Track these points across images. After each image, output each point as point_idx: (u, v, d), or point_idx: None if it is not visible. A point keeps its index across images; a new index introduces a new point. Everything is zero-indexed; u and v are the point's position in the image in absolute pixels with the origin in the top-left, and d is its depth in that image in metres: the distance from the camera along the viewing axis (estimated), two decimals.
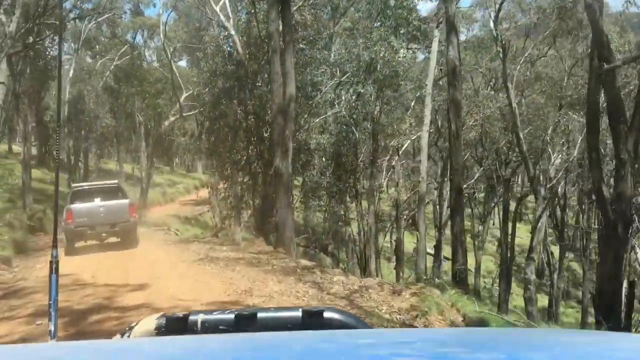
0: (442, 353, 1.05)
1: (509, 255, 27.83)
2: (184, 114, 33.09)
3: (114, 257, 14.34)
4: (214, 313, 1.60)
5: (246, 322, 1.55)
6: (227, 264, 12.48)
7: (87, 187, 15.59)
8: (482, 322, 8.06)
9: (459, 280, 12.84)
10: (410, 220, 36.88)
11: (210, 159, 27.51)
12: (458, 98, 14.40)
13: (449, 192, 28.47)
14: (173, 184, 47.19)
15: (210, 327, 1.56)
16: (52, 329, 2.10)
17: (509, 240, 28.55)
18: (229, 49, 21.07)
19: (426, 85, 18.94)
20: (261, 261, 13.16)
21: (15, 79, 30.77)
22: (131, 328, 1.62)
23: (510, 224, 27.93)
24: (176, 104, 32.68)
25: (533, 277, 17.65)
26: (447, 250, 33.23)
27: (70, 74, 35.67)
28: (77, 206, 14.51)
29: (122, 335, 1.63)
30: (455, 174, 13.87)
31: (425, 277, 15.66)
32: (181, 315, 1.59)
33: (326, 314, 1.58)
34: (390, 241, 33.42)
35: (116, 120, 37.02)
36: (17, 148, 41.77)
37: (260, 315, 1.58)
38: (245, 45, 20.62)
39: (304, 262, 13.41)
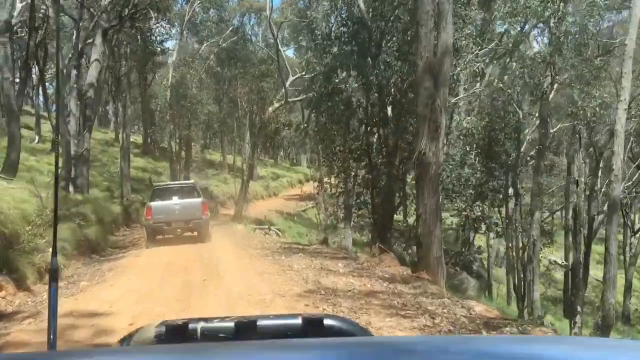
0: None
1: None
2: (290, 100, 28.27)
3: (183, 278, 9.42)
4: (214, 321, 1.51)
5: (246, 330, 1.47)
6: (353, 307, 7.09)
7: (166, 186, 16.02)
8: None
9: None
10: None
11: (319, 146, 22.65)
12: None
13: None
14: (276, 177, 43.01)
15: (210, 335, 1.46)
16: (52, 337, 1.91)
17: None
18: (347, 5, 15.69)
19: (626, 44, 12.49)
20: (407, 302, 7.64)
21: (114, 58, 27.41)
22: (131, 336, 1.51)
23: None
24: (281, 88, 27.93)
25: None
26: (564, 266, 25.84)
27: (174, 58, 32.11)
28: (156, 204, 14.64)
29: (122, 343, 1.51)
30: None
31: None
32: (181, 323, 1.49)
33: (326, 322, 1.49)
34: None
35: (219, 107, 33.02)
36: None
37: (260, 323, 1.49)
38: None
39: (477, 306, 7.72)
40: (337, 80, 15.80)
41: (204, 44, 32.78)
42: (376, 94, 14.88)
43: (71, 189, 19.02)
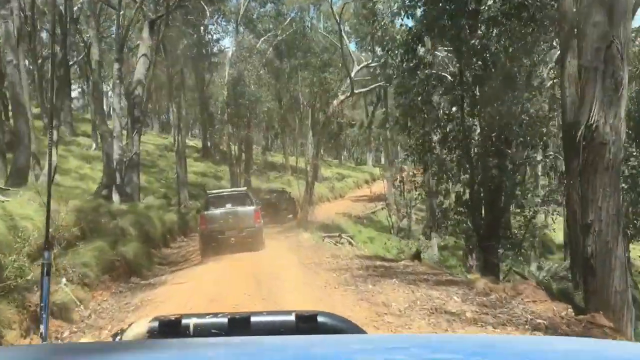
0: (436, 359, 0.97)
1: None
2: (356, 91, 24.68)
3: None
4: (207, 316, 1.44)
5: (239, 326, 1.40)
6: None
7: (219, 194, 15.46)
8: None
9: None
10: None
11: (394, 137, 19.07)
12: None
13: None
14: (342, 178, 39.52)
15: (203, 331, 1.39)
16: (44, 330, 1.94)
17: None
18: None
19: None
20: None
21: (166, 57, 24.79)
22: (123, 331, 1.45)
23: None
24: (346, 79, 24.44)
25: None
26: None
27: (230, 55, 29.27)
28: (209, 213, 14.02)
29: (114, 337, 1.46)
30: None
31: None
32: (174, 319, 1.41)
33: (320, 319, 1.42)
34: None
35: (279, 104, 29.86)
36: (187, 141, 36.84)
37: (253, 319, 1.42)
38: None
39: None
40: (422, 52, 12.07)
41: (261, 39, 29.73)
42: (479, 63, 11.02)
43: (116, 197, 16.27)
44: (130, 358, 1.06)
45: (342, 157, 50.42)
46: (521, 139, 10.95)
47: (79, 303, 8.37)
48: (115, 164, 16.59)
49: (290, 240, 16.84)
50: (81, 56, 26.28)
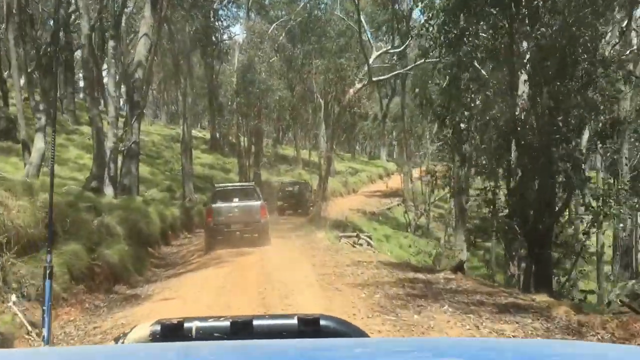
0: None
1: None
2: (374, 79, 22.36)
3: None
4: (209, 320, 1.38)
5: (242, 329, 1.33)
6: None
7: (227, 188, 15.20)
8: None
9: None
10: None
11: (416, 128, 16.78)
12: None
13: None
14: (355, 172, 37.25)
15: (205, 334, 1.34)
16: (46, 334, 1.96)
17: None
18: None
19: None
20: None
21: (172, 41, 22.62)
22: (125, 334, 1.40)
23: None
24: (363, 66, 22.11)
25: None
26: None
27: (240, 41, 27.07)
28: (217, 206, 13.73)
29: (117, 341, 1.41)
30: None
31: None
32: (176, 322, 1.36)
33: (322, 322, 1.34)
34: None
35: (292, 92, 27.59)
36: (195, 132, 34.67)
37: (255, 322, 1.35)
38: None
39: None
40: (468, 20, 9.75)
41: (273, 24, 27.44)
42: (541, 30, 8.69)
43: (109, 190, 14.13)
44: None
45: (355, 151, 48.11)
46: (606, 123, 8.64)
47: (30, 329, 6.23)
48: (109, 152, 14.47)
49: (304, 241, 14.74)
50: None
